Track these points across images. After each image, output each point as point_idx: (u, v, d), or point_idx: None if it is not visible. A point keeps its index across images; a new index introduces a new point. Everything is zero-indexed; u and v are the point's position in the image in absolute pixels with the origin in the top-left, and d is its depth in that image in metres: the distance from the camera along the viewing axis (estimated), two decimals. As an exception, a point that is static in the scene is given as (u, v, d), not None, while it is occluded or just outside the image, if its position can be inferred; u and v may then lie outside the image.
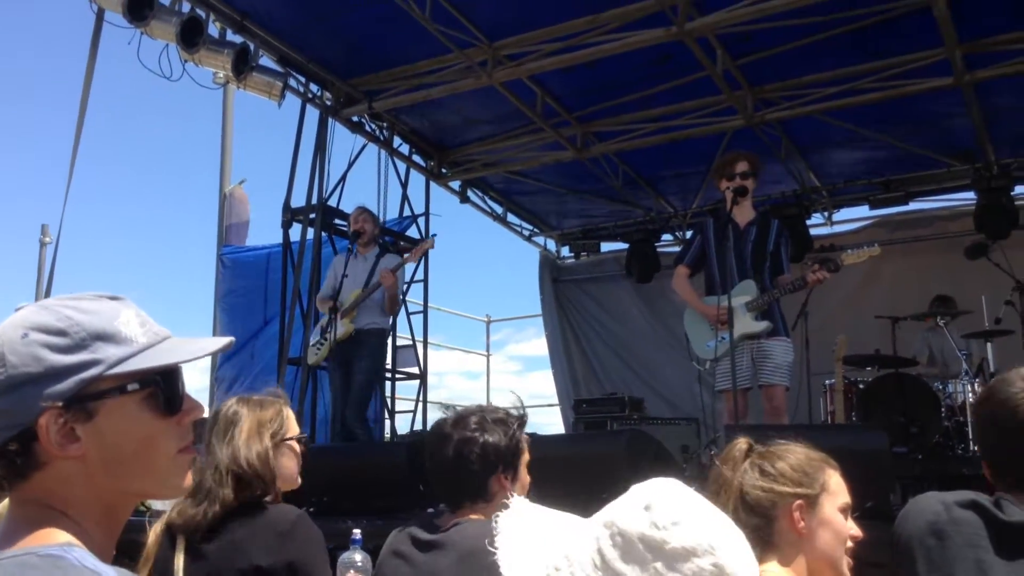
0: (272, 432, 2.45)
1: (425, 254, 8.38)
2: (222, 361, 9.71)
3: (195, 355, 1.18)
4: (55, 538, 1.05)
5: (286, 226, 8.04)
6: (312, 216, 7.85)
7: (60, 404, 1.07)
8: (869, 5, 6.15)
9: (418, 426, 8.35)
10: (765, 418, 5.48)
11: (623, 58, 6.82)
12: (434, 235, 6.79)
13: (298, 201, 8.01)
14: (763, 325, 5.31)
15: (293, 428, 2.52)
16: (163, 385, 1.15)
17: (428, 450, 2.33)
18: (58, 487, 1.09)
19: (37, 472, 1.08)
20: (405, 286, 8.04)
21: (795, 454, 1.94)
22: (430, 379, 8.68)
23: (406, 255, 6.86)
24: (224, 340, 1.23)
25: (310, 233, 7.90)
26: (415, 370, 8.53)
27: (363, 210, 7.04)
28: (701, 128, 7.91)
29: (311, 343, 7.02)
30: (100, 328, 1.11)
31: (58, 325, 1.09)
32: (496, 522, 1.07)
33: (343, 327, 6.63)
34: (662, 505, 1.02)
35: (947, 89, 6.94)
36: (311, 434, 7.61)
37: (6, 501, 1.14)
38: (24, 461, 1.07)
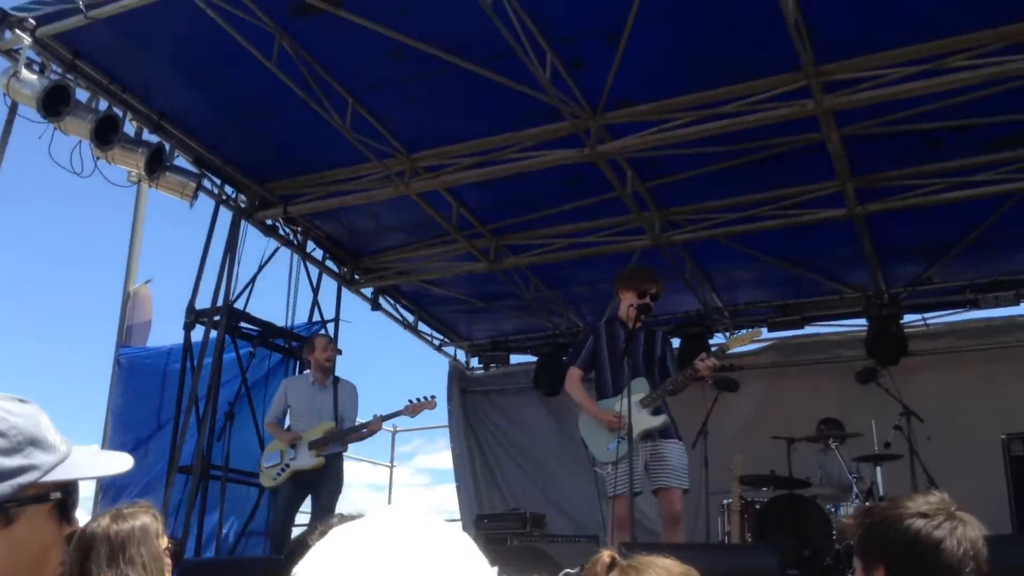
0: (156, 538, 2.42)
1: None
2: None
3: (112, 471, 1.16)
4: None
5: (188, 327, 7.88)
6: (217, 318, 7.71)
7: None
8: (768, 138, 6.52)
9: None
10: (664, 525, 5.47)
11: (538, 175, 7.06)
12: (433, 396, 6.84)
13: (206, 303, 7.89)
14: (661, 419, 5.38)
15: (164, 537, 2.51)
16: (73, 497, 1.13)
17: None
18: None
19: None
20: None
21: (656, 568, 1.90)
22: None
23: (403, 409, 6.78)
24: (128, 462, 1.20)
25: (213, 335, 7.76)
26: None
27: (330, 339, 7.11)
28: (611, 246, 8.16)
29: (266, 466, 6.90)
30: (32, 433, 1.08)
31: None
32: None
33: (313, 459, 6.64)
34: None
35: (840, 220, 7.36)
36: (196, 548, 7.31)
37: None
38: None
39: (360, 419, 6.95)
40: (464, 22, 5.51)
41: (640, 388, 5.35)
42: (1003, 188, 6.70)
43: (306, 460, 6.64)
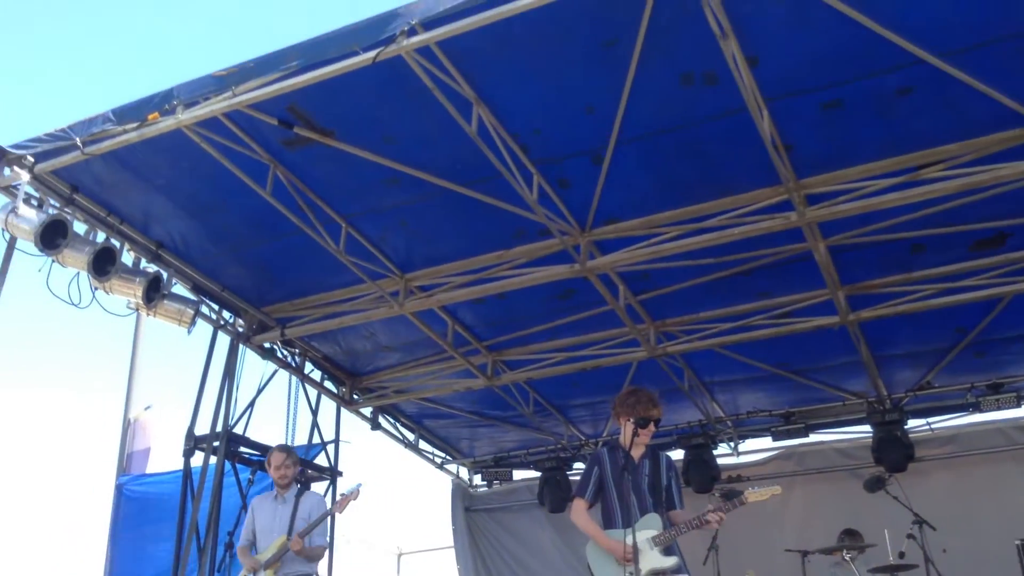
0: None
1: (319, 471, 8.31)
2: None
3: None
4: None
5: (188, 454, 7.83)
6: (216, 444, 7.68)
7: None
8: (755, 249, 6.60)
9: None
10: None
11: (531, 291, 7.13)
12: (359, 485, 6.53)
13: (206, 428, 7.87)
14: (673, 560, 5.20)
15: None
16: None
17: None
18: None
19: None
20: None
21: None
22: (335, 621, 8.21)
23: (332, 506, 6.51)
24: None
25: (213, 461, 7.70)
26: (319, 610, 8.06)
27: (287, 454, 6.61)
28: (607, 359, 8.18)
29: None
30: None
31: None
32: None
33: None
34: None
35: (834, 328, 7.37)
36: None
37: None
38: None
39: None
40: (451, 148, 5.68)
41: (651, 525, 5.19)
42: (991, 292, 6.74)
43: None
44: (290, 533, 6.28)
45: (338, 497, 6.49)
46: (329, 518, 8.21)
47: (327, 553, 8.48)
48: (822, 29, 4.72)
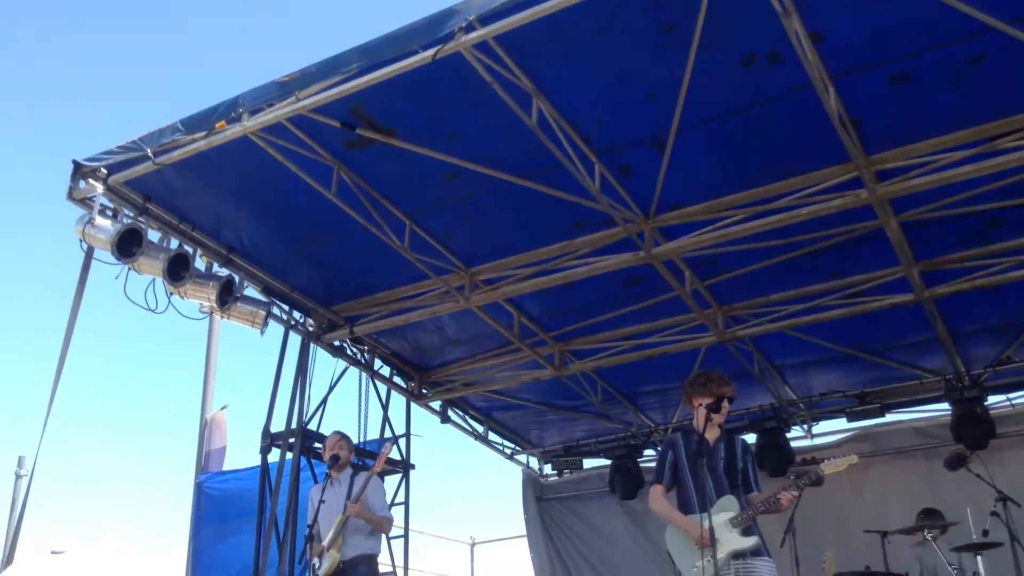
0: None
1: (392, 464, 8.42)
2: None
3: None
4: None
5: (264, 452, 7.99)
6: (291, 440, 7.82)
7: None
8: (825, 228, 6.47)
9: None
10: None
11: (596, 280, 7.09)
12: (392, 438, 6.57)
13: (280, 425, 8.01)
14: (752, 540, 5.13)
15: None
16: None
17: None
18: None
19: None
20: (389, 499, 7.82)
21: None
22: (413, 609, 8.32)
23: (372, 466, 6.63)
24: None
25: (289, 457, 7.85)
26: (397, 599, 8.19)
27: (340, 436, 6.87)
28: (675, 345, 8.12)
29: None
30: None
31: None
32: None
33: (329, 558, 6.31)
34: None
35: (909, 305, 7.20)
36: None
37: None
38: None
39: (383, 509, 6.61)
40: (512, 141, 5.67)
41: (729, 506, 5.14)
42: (1075, 263, 6.52)
43: (326, 563, 6.23)
44: (345, 510, 6.34)
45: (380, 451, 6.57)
46: (404, 508, 8.41)
47: (403, 546, 8.64)
48: (887, 2, 4.60)
